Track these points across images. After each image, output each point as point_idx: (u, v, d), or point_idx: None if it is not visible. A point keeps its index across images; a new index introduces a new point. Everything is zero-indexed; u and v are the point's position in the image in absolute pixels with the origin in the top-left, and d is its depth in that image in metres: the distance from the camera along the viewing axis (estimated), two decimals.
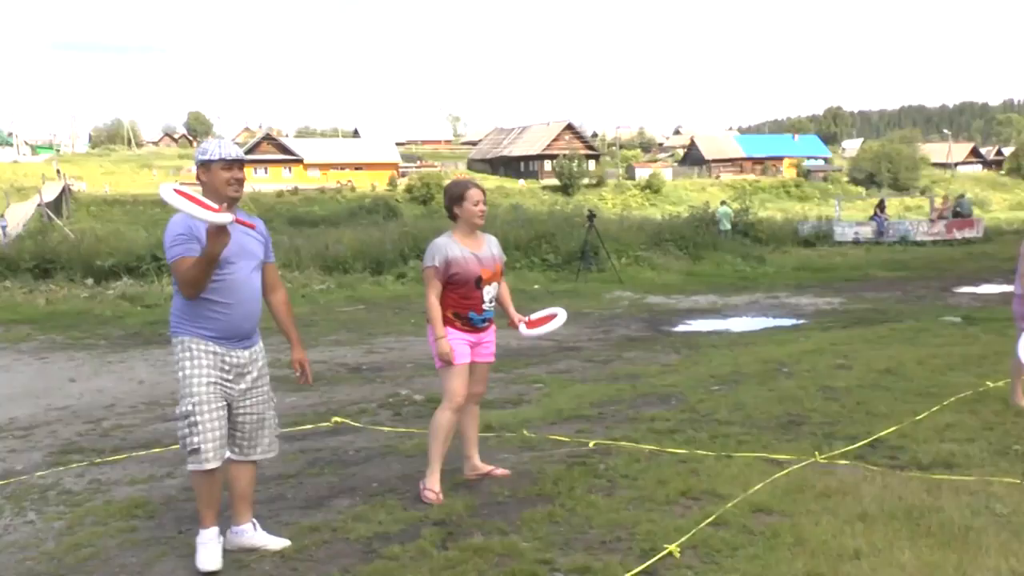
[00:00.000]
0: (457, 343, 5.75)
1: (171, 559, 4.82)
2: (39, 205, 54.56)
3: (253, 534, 4.94)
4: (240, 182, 4.67)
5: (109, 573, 4.67)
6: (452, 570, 4.45)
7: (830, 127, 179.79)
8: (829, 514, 5.04)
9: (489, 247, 5.87)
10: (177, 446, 7.19)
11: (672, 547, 4.58)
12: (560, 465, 6.19)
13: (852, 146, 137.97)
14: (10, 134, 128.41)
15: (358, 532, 5.05)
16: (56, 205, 61.35)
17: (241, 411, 4.81)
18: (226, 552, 4.79)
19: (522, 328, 6.09)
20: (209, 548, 4.66)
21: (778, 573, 4.28)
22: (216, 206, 4.30)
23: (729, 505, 5.21)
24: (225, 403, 4.70)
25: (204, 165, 4.62)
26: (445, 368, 5.78)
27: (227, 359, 4.70)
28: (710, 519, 4.98)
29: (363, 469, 6.45)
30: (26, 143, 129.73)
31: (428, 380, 10.18)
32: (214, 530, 4.73)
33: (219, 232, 4.30)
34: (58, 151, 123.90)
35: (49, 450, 7.49)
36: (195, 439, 4.59)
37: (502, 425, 7.41)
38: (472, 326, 5.80)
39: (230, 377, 4.72)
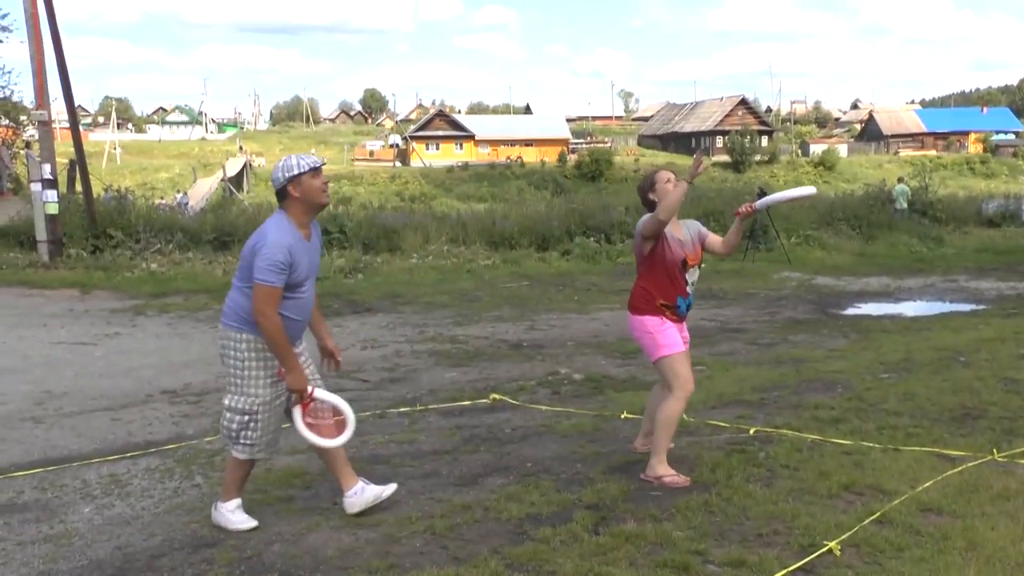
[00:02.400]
0: (671, 332, 5.72)
1: (325, 530, 4.90)
2: (222, 180, 57.23)
3: (364, 490, 5.20)
4: (327, 185, 4.93)
5: (266, 540, 4.80)
6: (603, 556, 4.37)
7: None
8: (1007, 518, 4.72)
9: (687, 230, 5.87)
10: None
11: (832, 544, 4.38)
12: (718, 452, 6.02)
13: None
14: (200, 113, 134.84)
15: (510, 512, 5.02)
16: (238, 180, 64.19)
17: None
18: (378, 526, 4.86)
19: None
20: (239, 513, 5.04)
21: None
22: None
23: (895, 502, 4.94)
24: (281, 401, 4.99)
25: (295, 180, 4.80)
26: (665, 359, 5.68)
27: None
28: (874, 516, 4.74)
29: (518, 448, 6.43)
30: (213, 121, 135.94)
31: (588, 359, 10.13)
32: (238, 500, 5.08)
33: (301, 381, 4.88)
34: (242, 128, 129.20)
35: (217, 416, 7.71)
36: (252, 435, 4.93)
37: None
38: (678, 315, 5.77)
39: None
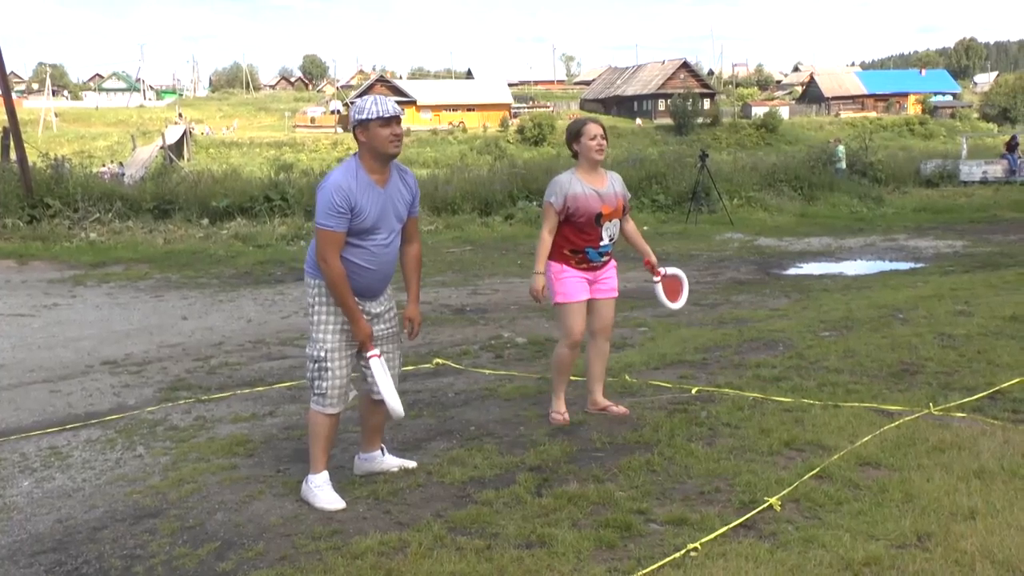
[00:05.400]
0: (572, 281, 5.88)
1: (268, 498, 4.87)
2: (162, 147, 56.36)
3: (382, 459, 5.19)
4: (399, 137, 4.67)
5: (209, 509, 4.75)
6: (546, 517, 4.38)
7: (961, 60, 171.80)
8: (942, 469, 4.80)
9: (612, 184, 5.93)
10: (280, 384, 7.42)
11: (773, 500, 4.42)
12: (661, 412, 6.06)
13: (985, 80, 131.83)
14: (137, 80, 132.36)
15: (453, 476, 5.02)
16: (178, 147, 63.26)
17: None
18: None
19: (658, 289, 6.20)
20: (326, 490, 4.78)
21: (884, 531, 4.09)
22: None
23: (835, 457, 5.00)
24: (354, 350, 4.79)
25: (362, 125, 4.63)
26: (559, 306, 5.93)
27: (363, 307, 4.79)
28: (814, 472, 4.80)
29: (461, 412, 6.43)
30: (151, 88, 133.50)
31: (531, 322, 10.14)
32: (325, 474, 4.85)
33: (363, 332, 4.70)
34: (180, 95, 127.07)
35: (159, 386, 7.69)
36: (323, 384, 4.75)
37: (607, 370, 7.28)
38: (589, 262, 5.89)
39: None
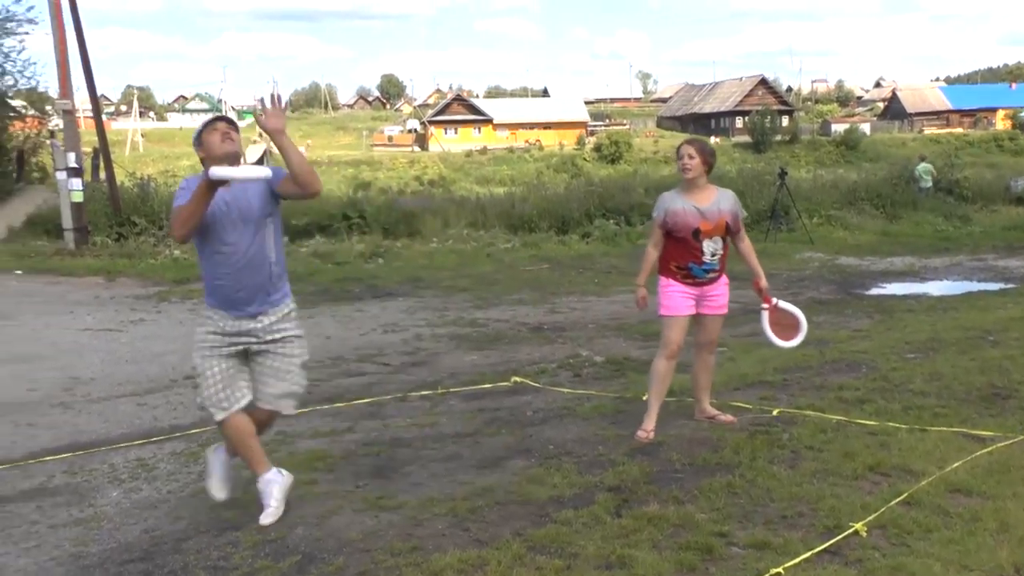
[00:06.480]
0: (677, 296, 6.06)
1: (347, 513, 4.90)
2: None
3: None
4: (228, 135, 4.69)
5: (288, 524, 4.79)
6: (625, 539, 4.34)
7: None
8: None
9: (717, 202, 6.07)
10: (359, 400, 7.51)
11: (858, 525, 4.33)
12: (742, 433, 5.98)
13: None
14: (219, 101, 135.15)
15: (532, 495, 5.00)
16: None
17: (257, 361, 4.97)
18: (400, 508, 4.87)
19: (764, 317, 6.36)
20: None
21: (978, 561, 3.97)
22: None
23: (923, 483, 4.89)
24: (225, 362, 4.84)
25: (198, 144, 4.73)
26: (662, 318, 6.12)
27: (230, 325, 4.86)
28: (901, 497, 4.69)
29: (540, 430, 6.41)
30: (233, 109, 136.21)
31: (609, 341, 10.10)
32: (269, 474, 4.98)
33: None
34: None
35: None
36: (199, 397, 4.94)
37: (683, 390, 7.20)
38: (694, 278, 6.03)
39: (234, 340, 4.88)
